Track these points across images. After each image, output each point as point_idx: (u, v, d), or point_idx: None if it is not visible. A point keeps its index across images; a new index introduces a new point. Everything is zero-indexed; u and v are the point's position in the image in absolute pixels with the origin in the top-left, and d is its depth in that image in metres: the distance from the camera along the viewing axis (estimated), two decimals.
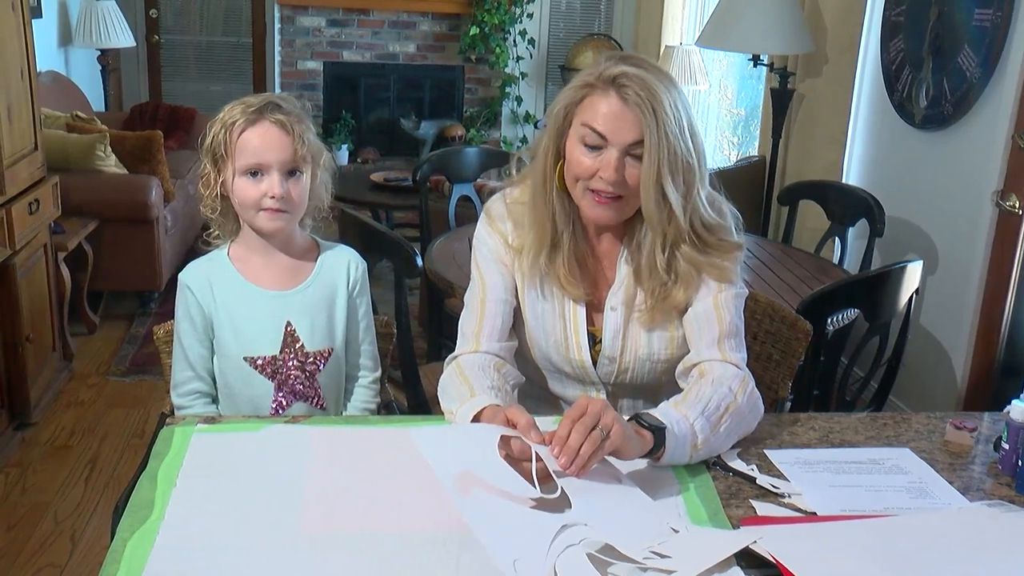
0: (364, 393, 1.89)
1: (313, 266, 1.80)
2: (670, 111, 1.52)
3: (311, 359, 1.78)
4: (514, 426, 1.38)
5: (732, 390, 1.54)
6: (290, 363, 1.77)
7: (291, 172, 1.69)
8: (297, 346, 1.77)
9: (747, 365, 1.64)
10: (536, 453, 1.33)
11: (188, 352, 1.77)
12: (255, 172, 1.67)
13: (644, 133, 1.52)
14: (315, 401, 1.80)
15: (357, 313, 1.85)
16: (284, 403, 1.78)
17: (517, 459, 1.35)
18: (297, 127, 1.69)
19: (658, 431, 1.42)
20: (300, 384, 1.78)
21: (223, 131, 1.68)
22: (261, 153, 1.66)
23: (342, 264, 1.83)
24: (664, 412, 1.46)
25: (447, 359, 1.70)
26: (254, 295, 1.76)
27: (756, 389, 1.60)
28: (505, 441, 1.37)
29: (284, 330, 1.76)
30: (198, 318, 1.75)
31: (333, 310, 1.80)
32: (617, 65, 1.54)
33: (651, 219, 1.58)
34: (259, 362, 1.75)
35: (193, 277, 1.76)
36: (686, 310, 1.66)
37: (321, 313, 1.79)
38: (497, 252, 1.71)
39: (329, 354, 1.80)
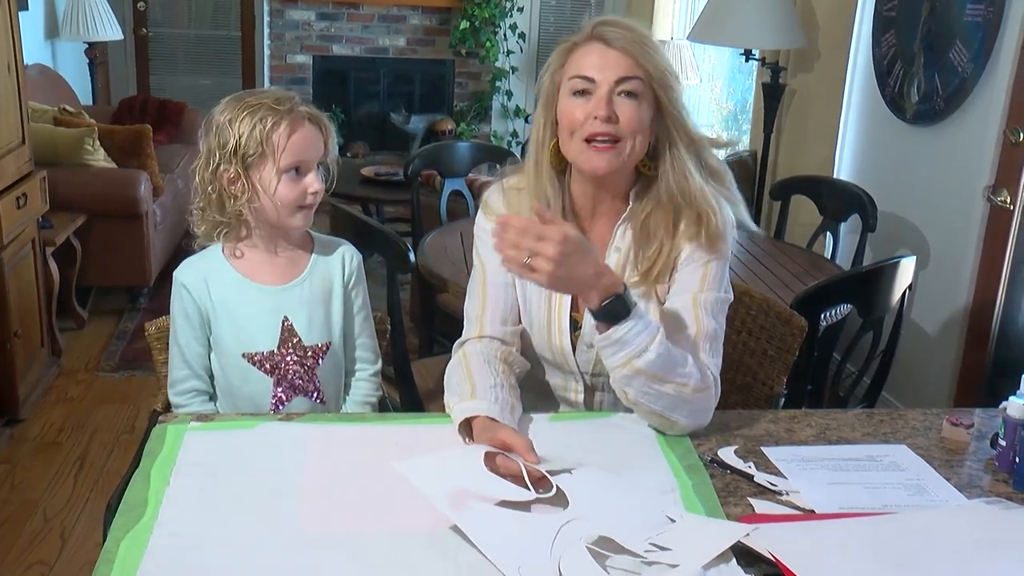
0: (365, 386, 1.88)
1: (308, 260, 1.79)
2: (657, 48, 1.56)
3: (309, 353, 1.77)
4: (510, 450, 1.38)
5: (693, 383, 1.51)
6: (288, 358, 1.75)
7: (317, 168, 1.72)
8: (295, 341, 1.76)
9: (742, 361, 1.63)
10: (524, 465, 1.34)
11: (185, 350, 1.75)
12: (296, 170, 1.68)
13: (632, 65, 1.53)
14: (315, 395, 1.79)
15: (354, 306, 1.84)
16: (284, 398, 1.76)
17: (504, 474, 1.35)
18: (327, 124, 1.73)
19: (628, 295, 1.45)
20: (299, 379, 1.77)
21: (257, 130, 1.64)
22: (304, 151, 1.68)
23: (337, 257, 1.82)
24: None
25: (455, 344, 1.70)
26: (251, 290, 1.74)
27: (711, 402, 1.56)
28: (490, 458, 1.37)
29: (281, 325, 1.75)
30: (194, 316, 1.74)
31: (330, 304, 1.80)
32: (595, 24, 1.57)
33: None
34: (257, 358, 1.74)
35: (188, 275, 1.75)
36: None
37: (318, 307, 1.78)
38: None
39: (327, 348, 1.79)
